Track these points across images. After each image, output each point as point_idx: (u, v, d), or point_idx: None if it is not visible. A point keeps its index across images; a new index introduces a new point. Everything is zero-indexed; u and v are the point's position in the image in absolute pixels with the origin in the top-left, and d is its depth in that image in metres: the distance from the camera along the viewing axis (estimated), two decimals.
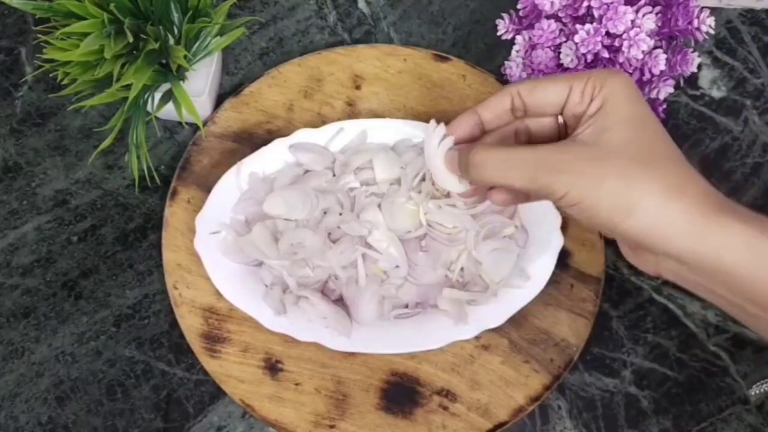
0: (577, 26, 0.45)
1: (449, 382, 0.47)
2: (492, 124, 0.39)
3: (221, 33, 0.49)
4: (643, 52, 0.44)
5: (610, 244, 0.49)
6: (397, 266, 0.46)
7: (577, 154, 0.34)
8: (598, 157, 0.33)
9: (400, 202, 0.46)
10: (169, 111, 0.47)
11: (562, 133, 0.38)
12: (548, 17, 0.47)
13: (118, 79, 0.44)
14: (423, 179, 0.46)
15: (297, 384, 0.47)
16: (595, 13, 0.44)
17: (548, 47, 0.47)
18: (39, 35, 0.45)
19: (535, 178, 0.34)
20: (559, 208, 0.46)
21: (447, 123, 0.39)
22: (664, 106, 0.47)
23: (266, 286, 0.47)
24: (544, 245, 0.46)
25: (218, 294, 0.46)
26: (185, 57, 0.45)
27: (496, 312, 0.46)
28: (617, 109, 0.35)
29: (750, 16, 0.56)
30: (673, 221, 0.32)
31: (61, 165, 0.52)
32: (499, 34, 0.50)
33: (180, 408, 0.47)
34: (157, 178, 0.50)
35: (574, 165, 0.33)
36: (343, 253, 0.45)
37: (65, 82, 0.45)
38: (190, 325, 0.47)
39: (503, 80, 0.51)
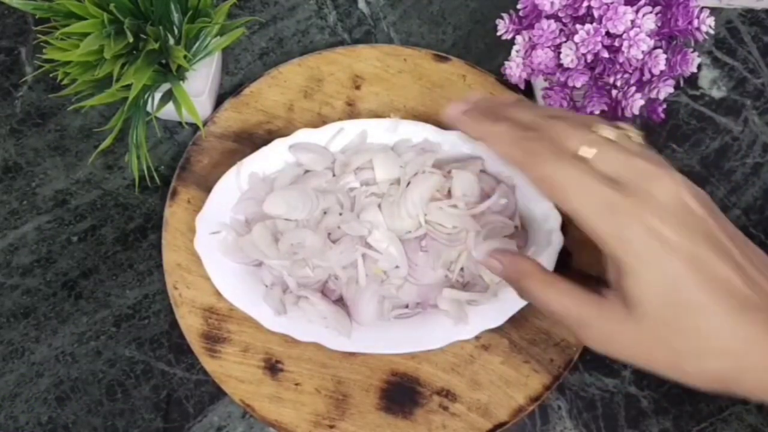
0: (577, 26, 0.45)
1: (449, 382, 0.47)
2: None
3: (221, 33, 0.48)
4: (643, 52, 0.44)
5: None
6: (397, 266, 0.46)
7: (616, 332, 0.34)
8: (639, 342, 0.33)
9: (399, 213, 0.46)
10: (169, 111, 0.47)
11: None
12: (548, 17, 0.46)
13: (118, 79, 0.44)
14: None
15: (297, 384, 0.47)
16: (595, 13, 0.44)
17: (548, 47, 0.47)
18: (39, 35, 0.45)
19: (576, 332, 0.36)
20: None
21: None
22: (664, 106, 0.47)
23: (266, 286, 0.47)
24: (544, 245, 0.46)
25: (218, 294, 0.46)
26: (185, 57, 0.45)
27: (496, 312, 0.46)
28: (647, 312, 0.32)
29: (750, 16, 0.56)
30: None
31: (61, 165, 0.52)
32: (499, 34, 0.50)
33: (180, 408, 0.47)
34: (157, 178, 0.50)
35: (614, 345, 0.34)
36: (343, 253, 0.45)
37: (65, 82, 0.45)
38: (190, 325, 0.47)
39: (503, 80, 0.51)
